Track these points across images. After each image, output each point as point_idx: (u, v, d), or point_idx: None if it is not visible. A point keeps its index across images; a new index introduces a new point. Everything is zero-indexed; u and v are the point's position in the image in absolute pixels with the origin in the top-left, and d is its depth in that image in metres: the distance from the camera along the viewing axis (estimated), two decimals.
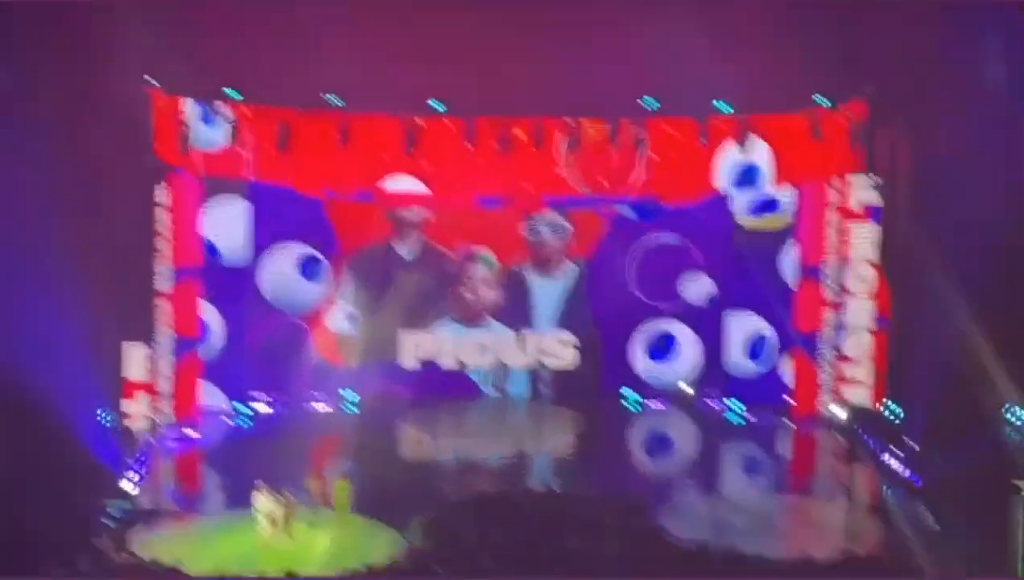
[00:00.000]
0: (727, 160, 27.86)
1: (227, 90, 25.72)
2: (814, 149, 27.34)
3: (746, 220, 30.76)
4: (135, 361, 27.96)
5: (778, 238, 30.54)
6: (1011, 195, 24.97)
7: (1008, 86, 24.81)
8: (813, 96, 26.53)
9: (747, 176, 28.01)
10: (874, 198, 28.81)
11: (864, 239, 29.22)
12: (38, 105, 24.20)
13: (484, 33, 24.29)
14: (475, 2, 24.12)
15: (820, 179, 28.84)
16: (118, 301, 25.82)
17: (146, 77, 25.51)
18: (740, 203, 30.44)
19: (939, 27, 24.79)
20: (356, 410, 31.24)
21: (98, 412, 26.42)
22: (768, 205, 30.31)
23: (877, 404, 29.21)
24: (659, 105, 25.98)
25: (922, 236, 26.91)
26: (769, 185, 28.38)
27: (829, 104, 26.78)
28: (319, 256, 31.12)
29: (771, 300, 30.69)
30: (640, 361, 31.98)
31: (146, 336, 28.01)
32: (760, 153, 27.68)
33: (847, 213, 29.30)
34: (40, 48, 23.97)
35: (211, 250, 29.76)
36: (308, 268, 31.17)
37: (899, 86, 26.54)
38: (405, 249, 31.54)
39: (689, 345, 31.89)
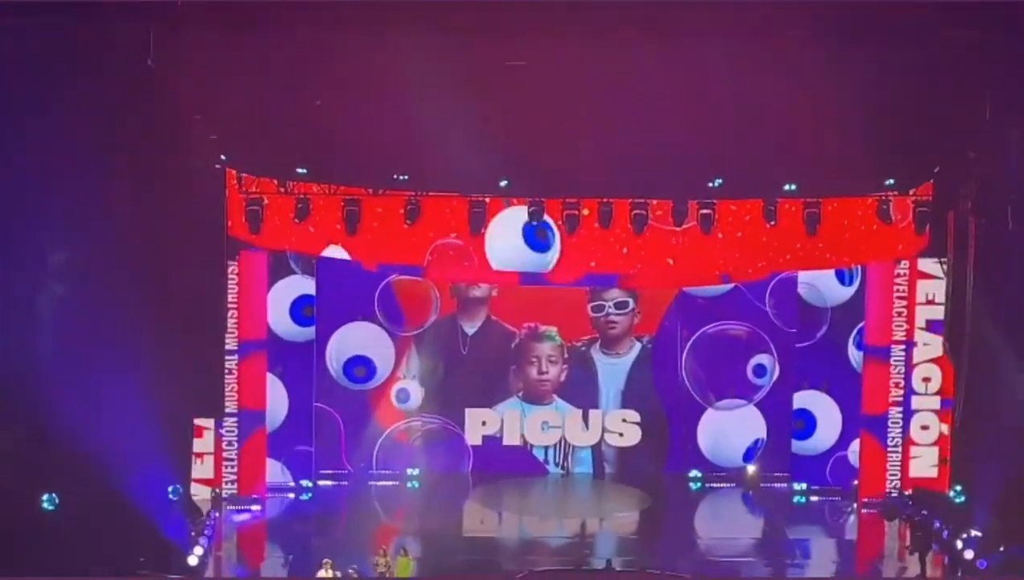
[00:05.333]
0: None
1: (299, 169, 26.02)
2: (882, 232, 27.35)
3: (813, 300, 30.76)
4: (203, 436, 28.25)
5: (844, 319, 30.48)
6: None
7: None
8: (885, 181, 26.58)
9: None
10: (940, 279, 28.80)
11: (930, 320, 29.20)
12: (112, 183, 24.51)
13: (550, 114, 24.42)
14: (542, 83, 24.25)
15: (887, 261, 28.82)
16: (187, 376, 26.01)
17: (221, 156, 25.86)
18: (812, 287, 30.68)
19: (1004, 106, 24.81)
20: (419, 486, 31.29)
21: (166, 487, 26.54)
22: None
23: (943, 487, 29.04)
24: (727, 186, 26.07)
25: (988, 318, 26.78)
26: None
27: (899, 188, 26.81)
28: (383, 333, 31.34)
29: (837, 381, 30.68)
30: (704, 440, 31.84)
31: (214, 411, 28.26)
32: None
33: (913, 294, 29.28)
34: (116, 125, 24.27)
35: (277, 325, 29.97)
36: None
37: (966, 167, 26.53)
38: (470, 326, 31.65)
39: (754, 425, 31.71)
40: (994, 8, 23.08)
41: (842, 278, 30.58)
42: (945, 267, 28.23)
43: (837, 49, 23.47)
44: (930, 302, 29.18)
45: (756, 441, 31.65)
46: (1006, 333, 26.17)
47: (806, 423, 31.12)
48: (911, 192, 27.14)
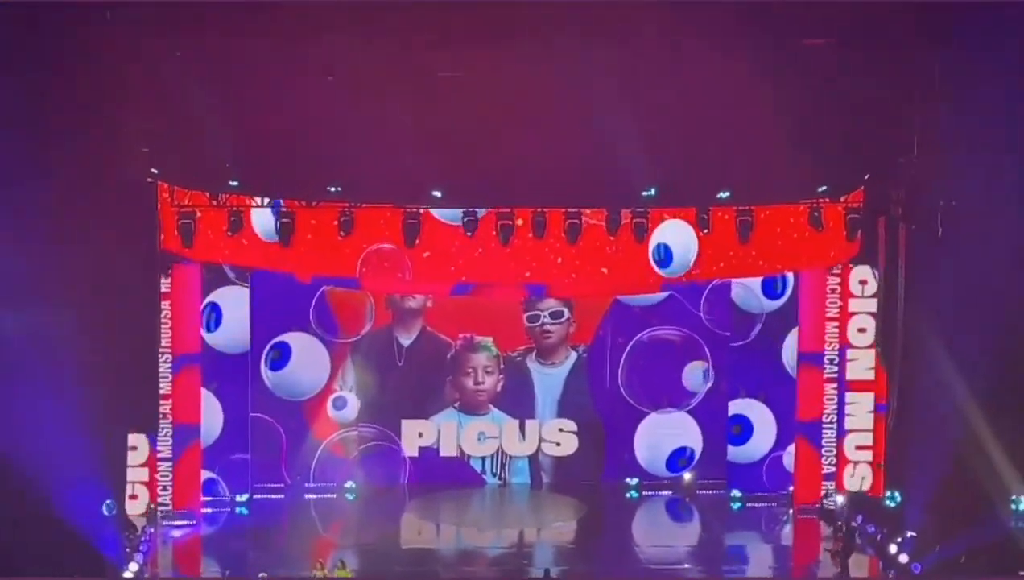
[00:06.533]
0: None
1: (231, 182, 25.92)
2: (814, 238, 27.58)
3: (747, 306, 30.86)
4: (137, 451, 27.98)
5: (779, 326, 30.64)
6: (1010, 279, 25.14)
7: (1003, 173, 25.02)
8: (817, 188, 26.82)
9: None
10: (871, 285, 29.00)
11: (862, 326, 29.39)
12: (41, 197, 24.28)
13: (483, 125, 24.49)
14: (476, 94, 24.32)
15: (819, 267, 29.04)
16: (121, 391, 25.82)
17: (152, 169, 25.71)
18: (746, 289, 30.74)
19: (934, 113, 25.08)
20: (356, 498, 31.18)
21: (100, 502, 26.31)
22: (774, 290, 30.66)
23: (877, 491, 29.25)
24: (660, 195, 26.22)
25: (921, 322, 27.03)
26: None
27: (830, 195, 27.05)
28: (319, 344, 31.19)
29: (771, 386, 30.83)
30: (641, 448, 31.94)
31: (148, 425, 28.01)
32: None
33: (846, 301, 29.46)
34: (44, 137, 24.08)
35: (211, 338, 29.74)
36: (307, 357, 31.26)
37: (896, 174, 26.79)
38: (406, 337, 31.57)
39: (689, 433, 31.84)
40: (925, 16, 23.42)
41: (771, 292, 30.75)
42: (876, 272, 28.58)
43: (767, 57, 23.68)
44: (861, 298, 29.41)
45: (682, 450, 31.80)
46: (937, 337, 26.41)
47: (743, 427, 31.23)
48: (842, 199, 27.38)
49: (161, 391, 28.35)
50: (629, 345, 31.76)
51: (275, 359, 31.02)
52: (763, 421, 31.08)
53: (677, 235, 27.85)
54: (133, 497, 27.72)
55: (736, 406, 31.23)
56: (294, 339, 31.09)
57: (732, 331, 31.05)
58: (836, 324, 29.59)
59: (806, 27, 24.05)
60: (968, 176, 24.98)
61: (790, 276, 30.20)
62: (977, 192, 25.23)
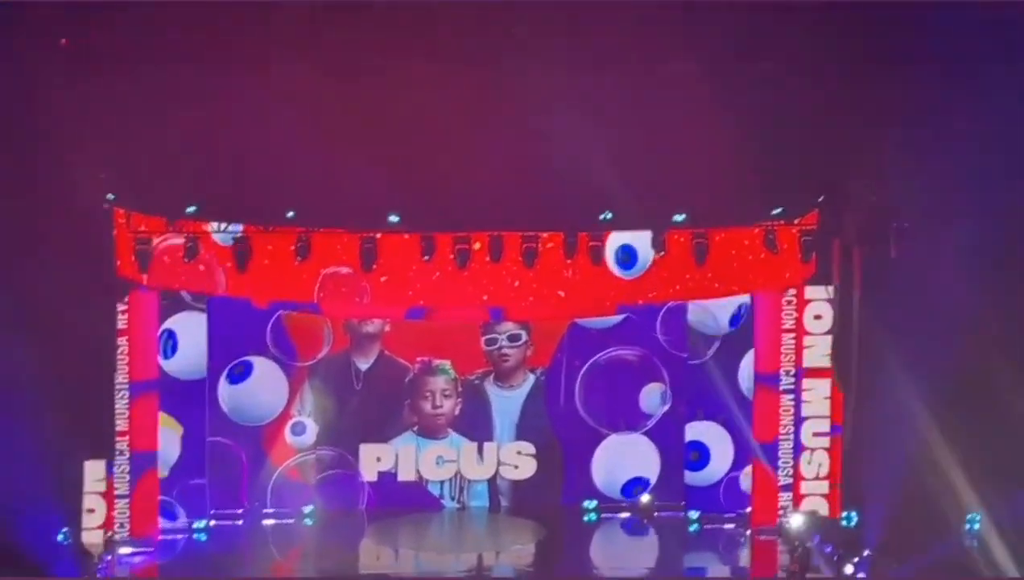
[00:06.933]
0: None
1: (189, 208, 25.90)
2: (769, 260, 27.74)
3: (703, 328, 30.93)
4: (93, 479, 27.82)
5: (735, 348, 30.72)
6: (964, 300, 25.36)
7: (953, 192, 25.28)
8: (772, 210, 26.99)
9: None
10: (826, 307, 29.13)
11: (817, 347, 29.49)
12: None
13: (440, 149, 24.57)
14: (431, 118, 24.41)
15: (774, 289, 29.14)
16: (77, 418, 25.68)
17: (108, 195, 25.65)
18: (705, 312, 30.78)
19: (886, 135, 25.32)
20: (314, 523, 31.07)
21: (56, 531, 26.15)
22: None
23: (833, 511, 29.34)
24: (617, 218, 26.35)
25: (875, 342, 27.21)
26: None
27: (786, 217, 27.23)
28: (277, 368, 31.09)
29: (730, 409, 30.87)
30: (599, 471, 31.91)
31: (104, 453, 27.85)
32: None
33: (801, 322, 29.56)
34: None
35: (168, 365, 29.58)
36: (265, 381, 31.12)
37: (849, 196, 27.01)
38: (364, 362, 31.51)
39: (647, 455, 31.83)
40: (879, 38, 23.68)
41: (734, 320, 30.77)
42: (830, 294, 28.72)
43: (721, 80, 23.86)
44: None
45: (638, 478, 31.80)
46: (892, 356, 26.58)
47: (700, 454, 31.28)
48: (796, 221, 27.56)
49: (118, 418, 28.20)
50: (585, 367, 31.81)
51: (239, 373, 30.87)
52: (720, 444, 31.14)
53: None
54: (91, 529, 27.58)
55: (693, 430, 31.28)
56: (254, 362, 31.04)
57: (688, 351, 31.15)
58: (792, 335, 29.62)
59: (760, 50, 24.24)
60: (921, 198, 25.24)
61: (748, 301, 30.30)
62: (931, 213, 25.48)
